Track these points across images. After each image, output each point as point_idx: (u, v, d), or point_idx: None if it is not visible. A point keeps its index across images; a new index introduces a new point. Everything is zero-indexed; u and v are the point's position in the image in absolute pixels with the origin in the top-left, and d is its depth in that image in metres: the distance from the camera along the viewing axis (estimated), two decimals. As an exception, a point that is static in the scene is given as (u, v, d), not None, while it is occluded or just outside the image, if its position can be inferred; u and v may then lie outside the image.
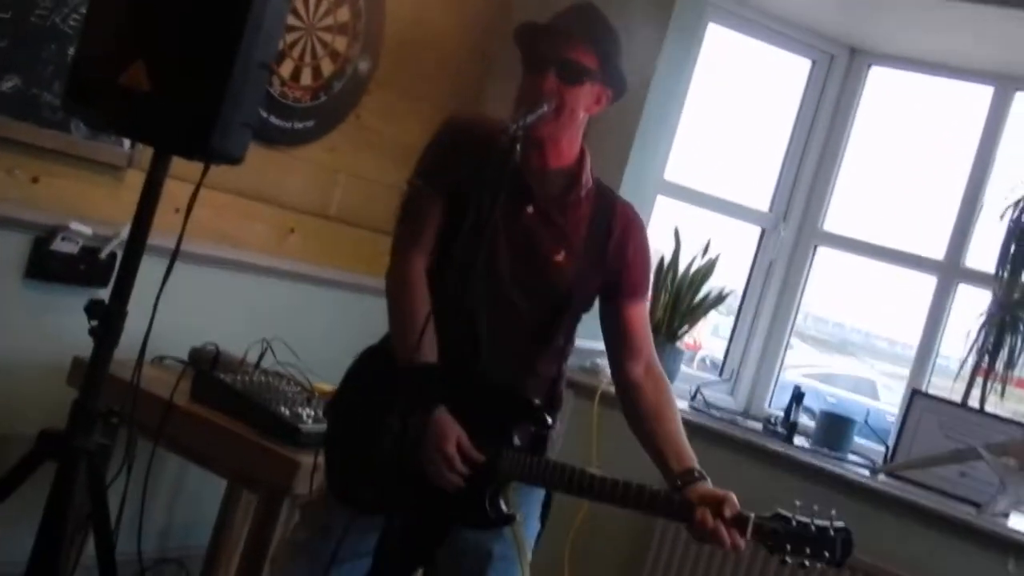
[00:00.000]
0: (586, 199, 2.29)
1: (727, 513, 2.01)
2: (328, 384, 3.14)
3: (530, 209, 2.24)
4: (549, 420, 2.19)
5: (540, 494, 2.35)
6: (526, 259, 2.23)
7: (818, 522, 2.01)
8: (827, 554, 1.99)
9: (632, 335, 2.33)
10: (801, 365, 8.29)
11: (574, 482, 2.11)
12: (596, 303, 2.35)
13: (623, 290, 2.31)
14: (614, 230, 2.29)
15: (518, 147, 2.03)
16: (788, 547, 2.00)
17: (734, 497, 2.06)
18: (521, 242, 2.22)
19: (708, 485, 2.11)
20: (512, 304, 2.23)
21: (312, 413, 2.74)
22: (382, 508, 2.03)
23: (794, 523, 2.01)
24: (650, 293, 2.44)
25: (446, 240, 2.23)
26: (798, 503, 2.06)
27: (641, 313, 2.36)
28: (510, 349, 2.23)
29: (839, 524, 2.01)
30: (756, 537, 2.01)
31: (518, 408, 2.21)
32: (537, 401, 2.22)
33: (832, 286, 5.07)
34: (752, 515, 2.02)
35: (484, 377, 2.21)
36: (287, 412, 2.68)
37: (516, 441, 2.16)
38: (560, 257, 2.23)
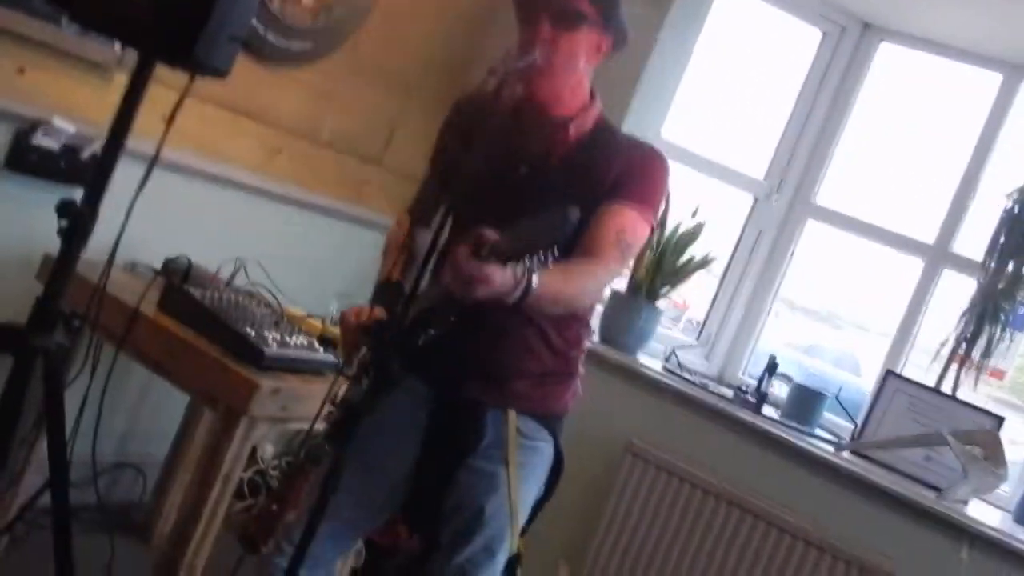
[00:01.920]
0: (576, 137, 2.23)
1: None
2: (299, 309, 3.12)
3: (523, 169, 2.21)
4: None
5: (546, 455, 2.31)
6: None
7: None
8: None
9: (587, 230, 2.11)
10: (788, 335, 8.28)
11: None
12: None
13: (606, 196, 2.16)
14: (608, 159, 2.20)
15: (503, 91, 2.01)
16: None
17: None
18: (510, 201, 2.13)
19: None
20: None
21: (278, 337, 2.72)
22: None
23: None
24: (640, 214, 2.19)
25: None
26: None
27: (612, 211, 2.15)
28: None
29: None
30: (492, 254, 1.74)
31: None
32: None
33: (821, 260, 5.03)
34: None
35: None
36: (252, 333, 2.66)
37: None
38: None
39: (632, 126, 4.07)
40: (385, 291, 2.27)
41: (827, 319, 10.53)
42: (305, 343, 2.81)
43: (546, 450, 2.32)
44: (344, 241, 3.98)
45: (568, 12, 2.14)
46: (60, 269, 2.30)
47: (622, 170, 2.19)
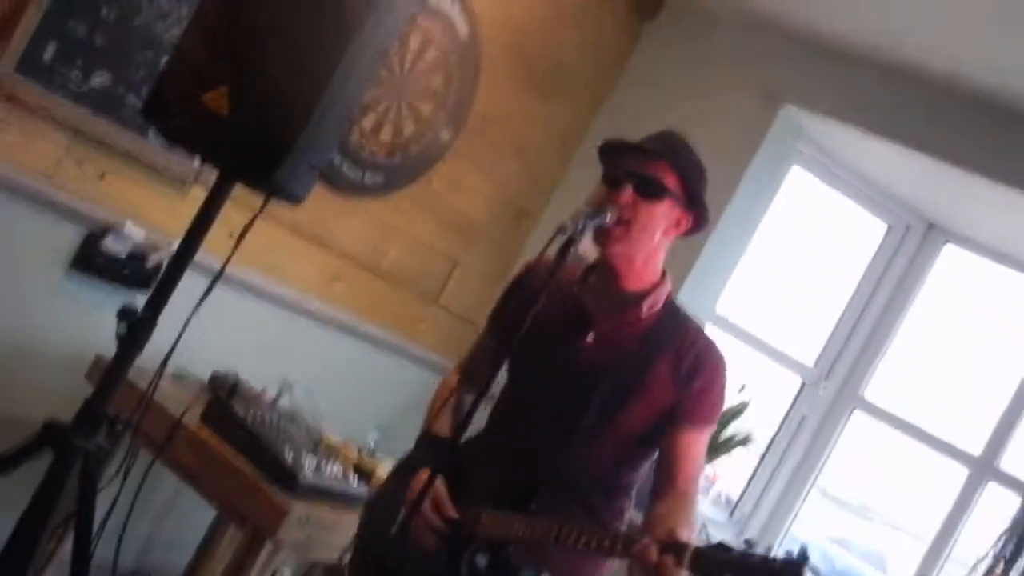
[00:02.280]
0: (647, 318, 2.22)
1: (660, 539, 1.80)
2: (338, 436, 3.12)
3: (590, 338, 2.21)
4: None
5: None
6: (578, 384, 2.17)
7: (763, 556, 1.76)
8: None
9: (671, 462, 2.15)
10: (818, 523, 8.08)
11: (544, 531, 1.97)
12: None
13: (676, 415, 2.17)
14: (677, 350, 2.19)
15: (573, 248, 2.03)
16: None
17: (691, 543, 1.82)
18: (578, 369, 2.17)
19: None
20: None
21: (315, 463, 2.71)
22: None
23: (738, 559, 1.72)
24: (708, 433, 2.23)
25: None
26: None
27: (689, 441, 2.17)
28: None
29: (787, 560, 1.71)
30: (693, 565, 1.74)
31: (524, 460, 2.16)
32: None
33: (861, 450, 4.96)
34: (692, 545, 1.78)
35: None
36: (290, 457, 2.65)
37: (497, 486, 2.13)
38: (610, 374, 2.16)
39: (687, 298, 4.09)
40: (430, 445, 2.25)
41: (858, 511, 10.29)
42: (340, 473, 2.80)
43: None
44: (391, 373, 3.99)
45: (653, 183, 2.17)
46: (113, 373, 2.33)
47: (698, 384, 2.18)
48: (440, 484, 2.11)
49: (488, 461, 2.22)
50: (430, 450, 2.22)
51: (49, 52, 2.71)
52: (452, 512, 2.10)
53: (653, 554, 1.78)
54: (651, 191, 2.17)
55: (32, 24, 2.65)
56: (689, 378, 2.18)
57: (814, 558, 4.01)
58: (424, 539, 2.08)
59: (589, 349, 2.19)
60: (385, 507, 2.23)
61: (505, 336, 2.27)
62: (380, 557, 2.17)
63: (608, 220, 2.13)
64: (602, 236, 2.15)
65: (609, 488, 2.22)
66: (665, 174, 2.18)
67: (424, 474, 2.07)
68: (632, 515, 2.29)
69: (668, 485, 2.14)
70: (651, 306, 2.23)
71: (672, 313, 2.27)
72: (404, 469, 2.29)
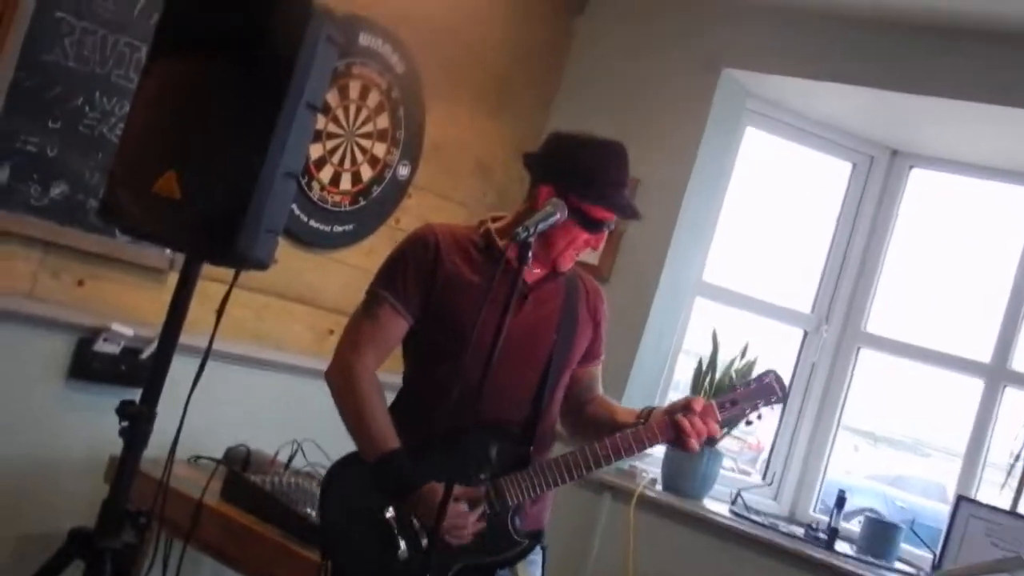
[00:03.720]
0: (560, 281, 2.49)
1: (698, 408, 2.33)
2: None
3: (528, 302, 2.41)
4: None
5: (538, 563, 2.46)
6: (522, 344, 2.37)
7: (751, 379, 2.48)
8: (773, 397, 2.44)
9: (595, 387, 2.62)
10: (873, 468, 8.10)
11: (572, 468, 2.33)
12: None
13: (591, 353, 2.59)
14: (581, 302, 2.52)
15: (529, 253, 2.11)
16: (747, 410, 2.43)
17: (691, 396, 2.39)
18: (521, 330, 2.36)
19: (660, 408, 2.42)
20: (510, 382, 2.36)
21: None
22: None
23: (738, 388, 2.45)
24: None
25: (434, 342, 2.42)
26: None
27: (599, 371, 2.65)
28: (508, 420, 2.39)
29: (767, 371, 2.47)
30: (723, 414, 2.39)
31: (495, 434, 2.37)
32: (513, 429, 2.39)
33: (891, 390, 5.00)
34: (712, 401, 2.39)
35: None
36: (313, 513, 2.70)
37: (495, 460, 2.34)
38: (550, 338, 2.43)
39: (673, 274, 4.14)
40: (396, 465, 2.32)
41: (913, 447, 10.29)
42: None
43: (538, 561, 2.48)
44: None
45: (605, 224, 2.44)
46: (123, 470, 2.38)
47: (602, 322, 2.61)
48: (437, 491, 2.18)
49: (451, 442, 2.32)
50: (404, 466, 2.30)
51: (4, 174, 2.77)
52: (479, 494, 2.31)
53: (691, 422, 2.32)
54: (600, 227, 2.42)
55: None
56: (597, 317, 2.58)
57: (874, 503, 4.05)
58: (467, 534, 2.27)
59: (529, 312, 2.41)
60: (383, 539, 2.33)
61: (418, 303, 2.40)
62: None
63: (559, 218, 2.23)
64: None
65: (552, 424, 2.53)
66: (605, 214, 2.41)
67: (436, 487, 2.19)
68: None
69: (594, 397, 2.61)
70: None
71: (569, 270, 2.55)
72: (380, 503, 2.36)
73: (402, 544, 2.27)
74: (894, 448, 9.82)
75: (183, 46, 2.31)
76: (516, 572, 2.36)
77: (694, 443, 2.32)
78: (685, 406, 2.34)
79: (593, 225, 2.40)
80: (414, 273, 2.40)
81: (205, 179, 2.24)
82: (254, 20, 2.29)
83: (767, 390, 2.44)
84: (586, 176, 2.38)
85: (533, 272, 2.44)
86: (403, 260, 2.44)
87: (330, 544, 2.41)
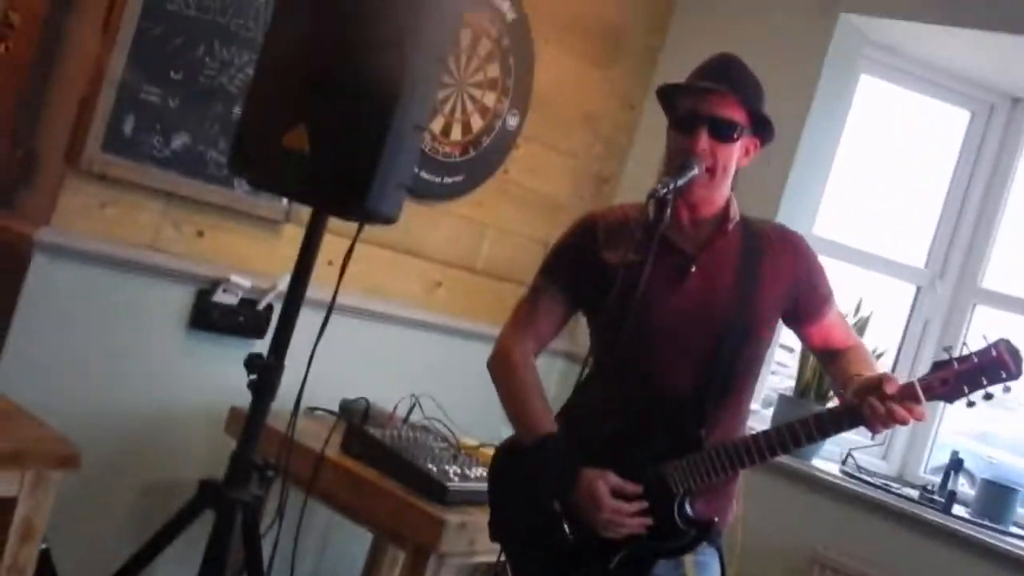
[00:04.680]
0: (732, 234, 2.28)
1: (891, 391, 2.00)
2: (472, 439, 3.16)
3: (692, 274, 2.24)
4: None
5: (715, 568, 2.30)
6: (689, 312, 2.22)
7: (977, 349, 2.00)
8: (1003, 373, 1.98)
9: (837, 346, 2.34)
10: (958, 424, 7.92)
11: (744, 454, 2.12)
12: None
13: (804, 312, 2.32)
14: (765, 258, 2.28)
15: (668, 211, 2.05)
16: (965, 388, 2.00)
17: (889, 374, 2.06)
18: (688, 301, 2.22)
19: (863, 378, 2.11)
20: (679, 353, 2.22)
21: (459, 470, 2.76)
22: None
23: (955, 364, 2.00)
24: (834, 298, 2.38)
25: (599, 322, 2.30)
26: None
27: (834, 322, 2.35)
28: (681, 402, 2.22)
29: (996, 340, 1.99)
30: (930, 396, 2.01)
31: (661, 416, 2.21)
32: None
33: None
34: (915, 380, 2.02)
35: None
36: (435, 469, 2.70)
37: (661, 443, 2.18)
38: (722, 307, 2.22)
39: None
40: (550, 450, 2.21)
41: (999, 402, 10.03)
42: (483, 474, 2.83)
43: (713, 564, 2.30)
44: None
45: (727, 124, 2.18)
46: (252, 422, 2.40)
47: (806, 276, 2.32)
48: (608, 476, 2.15)
49: (617, 425, 2.23)
50: (561, 452, 2.21)
51: (128, 125, 2.78)
52: (636, 489, 2.15)
53: (879, 408, 1.98)
54: (726, 133, 2.19)
55: (109, 101, 2.72)
56: (798, 274, 2.29)
57: (967, 462, 3.95)
58: (625, 530, 2.14)
59: (695, 286, 2.23)
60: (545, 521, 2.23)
61: (578, 292, 2.31)
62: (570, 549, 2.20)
63: (698, 173, 2.15)
64: (687, 186, 2.16)
65: (744, 399, 2.32)
66: (733, 110, 2.20)
67: (593, 480, 2.13)
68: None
69: (840, 350, 2.33)
70: (732, 222, 2.28)
71: (743, 221, 2.32)
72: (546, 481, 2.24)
73: (567, 531, 2.17)
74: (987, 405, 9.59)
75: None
76: (684, 568, 2.21)
77: (880, 428, 2.05)
78: (877, 387, 2.02)
79: (676, 122, 2.22)
80: (574, 260, 2.33)
81: (335, 133, 2.23)
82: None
83: (995, 365, 1.98)
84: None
85: (691, 235, 2.26)
86: (564, 247, 2.38)
87: (498, 528, 2.37)
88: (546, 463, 2.20)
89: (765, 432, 2.14)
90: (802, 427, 2.09)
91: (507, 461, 2.40)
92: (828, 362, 2.37)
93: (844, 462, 3.98)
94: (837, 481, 3.78)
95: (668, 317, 2.20)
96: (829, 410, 2.13)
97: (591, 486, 2.13)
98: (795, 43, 4.06)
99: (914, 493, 3.82)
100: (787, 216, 4.04)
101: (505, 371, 2.36)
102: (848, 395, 2.10)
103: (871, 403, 2.00)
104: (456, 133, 3.66)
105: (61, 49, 2.85)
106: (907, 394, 2.00)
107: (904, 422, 2.01)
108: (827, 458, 4.01)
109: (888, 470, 4.18)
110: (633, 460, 2.17)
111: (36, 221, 2.74)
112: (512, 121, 3.84)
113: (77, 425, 2.48)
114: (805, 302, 2.31)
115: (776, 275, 2.26)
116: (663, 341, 2.20)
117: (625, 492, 2.14)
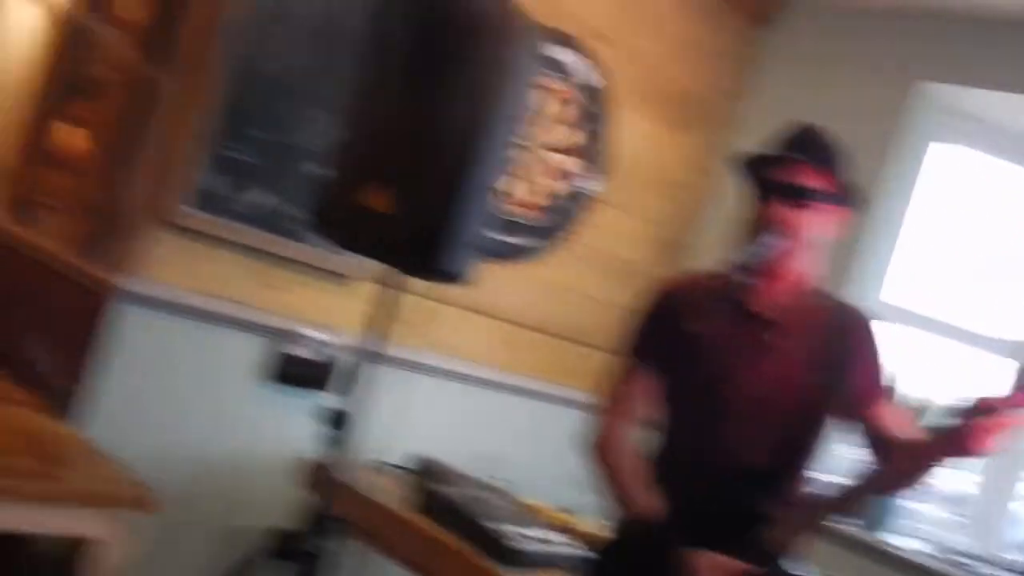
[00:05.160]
0: (816, 307, 2.27)
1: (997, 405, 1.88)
2: (539, 500, 3.15)
3: (774, 339, 2.22)
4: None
5: None
6: (770, 383, 2.21)
7: None
8: None
9: (886, 434, 2.23)
10: None
11: (841, 500, 2.20)
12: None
13: (858, 396, 2.26)
14: (849, 337, 2.26)
15: (748, 280, 2.05)
16: None
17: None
18: (769, 373, 2.21)
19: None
20: (758, 427, 2.21)
21: (526, 532, 2.75)
22: None
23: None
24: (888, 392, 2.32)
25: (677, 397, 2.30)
26: None
27: (886, 411, 2.26)
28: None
29: None
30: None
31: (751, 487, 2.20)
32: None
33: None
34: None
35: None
36: (506, 531, 2.68)
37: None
38: (801, 377, 2.21)
39: (852, 292, 4.00)
40: (647, 530, 2.21)
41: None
42: (555, 538, 2.82)
43: None
44: (576, 426, 4.01)
45: (799, 191, 2.18)
46: (329, 476, 2.42)
47: (873, 361, 2.27)
48: (706, 557, 2.13)
49: (701, 501, 2.21)
50: (666, 534, 2.19)
51: (216, 180, 2.88)
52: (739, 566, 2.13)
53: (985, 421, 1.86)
54: (798, 199, 2.17)
55: (195, 157, 2.83)
56: (873, 358, 2.26)
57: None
58: None
59: (775, 358, 2.21)
60: None
61: (666, 364, 2.30)
62: None
63: (772, 242, 2.15)
64: (767, 255, 2.16)
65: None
66: (810, 177, 2.18)
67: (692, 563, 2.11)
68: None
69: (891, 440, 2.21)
70: (815, 294, 2.28)
71: (820, 295, 2.30)
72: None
73: None
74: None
75: (390, 62, 2.34)
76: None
77: (989, 444, 1.89)
78: (976, 410, 1.89)
79: (754, 191, 2.21)
80: (658, 333, 2.33)
81: (414, 194, 2.26)
82: (459, 36, 2.30)
83: None
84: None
85: (772, 305, 2.25)
86: (646, 322, 2.37)
87: None
88: (642, 540, 2.20)
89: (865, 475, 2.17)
90: (908, 455, 2.11)
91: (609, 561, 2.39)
92: (880, 450, 2.27)
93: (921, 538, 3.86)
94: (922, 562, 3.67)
95: (748, 390, 2.19)
96: (932, 437, 2.03)
97: (697, 567, 2.11)
98: (868, 109, 4.05)
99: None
100: (857, 282, 4.00)
101: (597, 455, 2.36)
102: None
103: (977, 422, 1.88)
104: (534, 195, 3.69)
105: (152, 106, 2.94)
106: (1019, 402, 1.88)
107: (1012, 423, 1.88)
108: (907, 534, 3.90)
109: (967, 546, 4.05)
110: (724, 536, 2.15)
111: (121, 270, 2.83)
112: (588, 185, 3.87)
113: (148, 468, 2.55)
114: (859, 383, 2.26)
115: (845, 353, 2.25)
116: (742, 413, 2.19)
117: (732, 568, 2.13)
